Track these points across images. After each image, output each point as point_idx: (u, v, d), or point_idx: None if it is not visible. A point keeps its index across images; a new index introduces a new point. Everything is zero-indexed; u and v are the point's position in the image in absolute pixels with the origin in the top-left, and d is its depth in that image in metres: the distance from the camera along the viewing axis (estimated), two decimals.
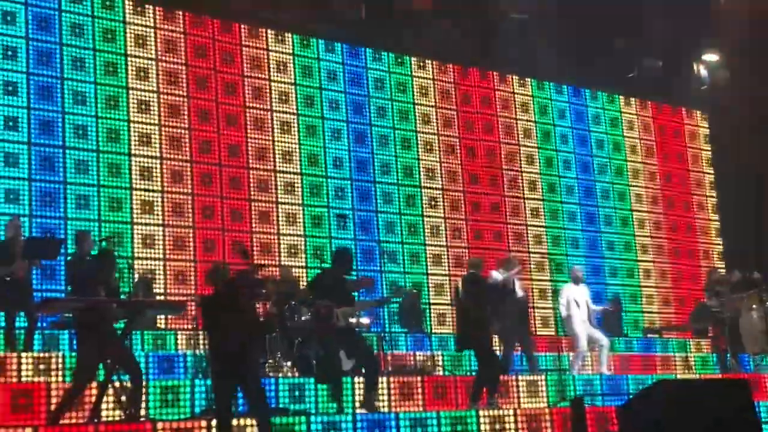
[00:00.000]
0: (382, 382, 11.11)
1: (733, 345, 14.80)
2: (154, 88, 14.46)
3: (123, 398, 8.90)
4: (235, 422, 8.53)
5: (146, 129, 14.26)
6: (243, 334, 8.44)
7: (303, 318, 11.51)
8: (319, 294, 10.28)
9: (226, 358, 8.29)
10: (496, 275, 12.94)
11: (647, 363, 15.29)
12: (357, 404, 10.43)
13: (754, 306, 15.04)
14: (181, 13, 14.98)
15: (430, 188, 16.90)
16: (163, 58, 14.65)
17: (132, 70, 14.30)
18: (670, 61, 19.28)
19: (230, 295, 8.58)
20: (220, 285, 8.64)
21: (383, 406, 10.84)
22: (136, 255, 13.51)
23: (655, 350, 16.24)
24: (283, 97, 15.72)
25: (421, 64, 17.43)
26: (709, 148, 21.00)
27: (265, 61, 15.70)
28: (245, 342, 8.47)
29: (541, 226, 18.02)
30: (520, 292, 13.26)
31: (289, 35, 16.03)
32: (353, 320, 10.37)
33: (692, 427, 7.04)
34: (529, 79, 18.68)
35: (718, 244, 20.42)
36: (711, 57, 19.84)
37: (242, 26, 15.58)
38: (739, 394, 7.98)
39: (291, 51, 16.00)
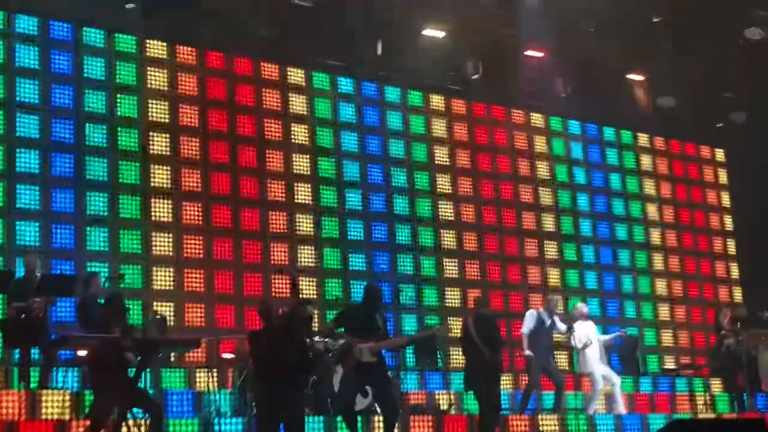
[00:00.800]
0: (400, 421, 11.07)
1: (751, 383, 14.67)
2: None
3: None
4: None
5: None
6: (295, 370, 8.45)
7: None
8: (345, 328, 10.21)
9: (276, 395, 8.25)
10: (560, 324, 13.09)
11: (664, 402, 15.16)
12: None
13: None
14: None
15: (445, 223, 16.89)
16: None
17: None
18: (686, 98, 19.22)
19: (286, 330, 8.56)
20: (273, 319, 8.62)
21: None
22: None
23: (673, 389, 16.09)
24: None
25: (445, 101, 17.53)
26: (727, 187, 20.91)
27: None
28: (297, 379, 8.50)
29: (554, 258, 17.96)
30: (562, 326, 13.24)
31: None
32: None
33: None
34: (551, 117, 18.69)
35: (736, 280, 20.30)
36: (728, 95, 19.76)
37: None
38: None
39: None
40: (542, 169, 18.38)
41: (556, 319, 13.18)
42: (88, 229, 13.48)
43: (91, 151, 13.77)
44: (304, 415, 8.96)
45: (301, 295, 10.87)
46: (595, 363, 13.53)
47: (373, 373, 9.95)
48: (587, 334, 13.61)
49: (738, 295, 20.03)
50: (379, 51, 16.53)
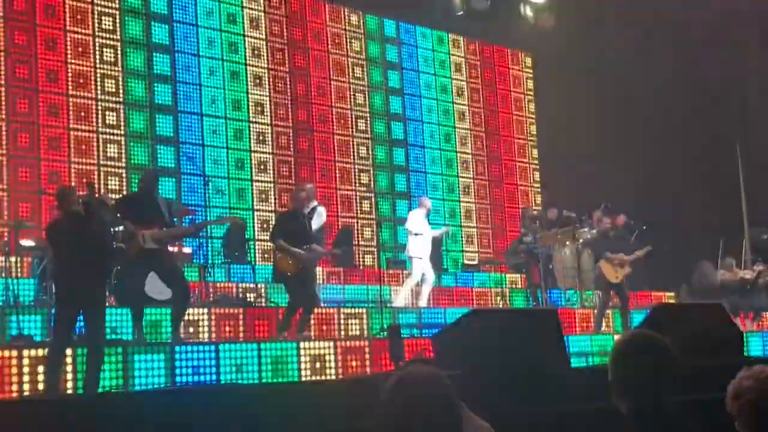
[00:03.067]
0: (204, 313, 11.06)
1: (545, 280, 15.39)
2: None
3: None
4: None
5: None
6: (96, 259, 8.30)
7: (122, 245, 11.20)
8: (126, 215, 9.89)
9: (78, 282, 8.10)
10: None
11: (465, 296, 15.72)
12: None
13: (567, 243, 15.69)
14: None
15: (258, 123, 16.75)
16: None
17: None
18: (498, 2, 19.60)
19: (82, 219, 8.33)
20: (71, 208, 8.36)
21: (204, 337, 10.79)
22: None
23: (473, 284, 16.71)
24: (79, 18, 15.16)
25: None
26: (532, 92, 21.59)
27: None
28: (98, 267, 8.32)
29: (367, 164, 18.16)
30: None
31: None
32: (173, 248, 10.15)
33: (504, 354, 7.29)
34: (360, 13, 18.66)
35: (537, 186, 21.15)
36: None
37: None
38: (548, 324, 8.33)
39: None
40: (358, 69, 18.44)
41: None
42: None
43: None
44: (105, 302, 8.86)
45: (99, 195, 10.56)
46: (423, 253, 14.04)
47: (156, 258, 9.84)
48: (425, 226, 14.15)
49: (538, 198, 20.90)
50: None
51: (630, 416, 3.56)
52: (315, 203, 13.74)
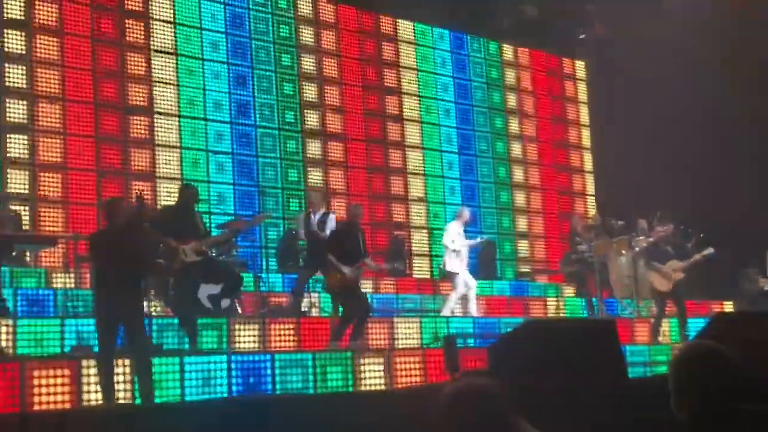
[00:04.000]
0: (258, 323, 11.13)
1: (601, 289, 15.22)
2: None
3: None
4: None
5: None
6: (134, 273, 8.34)
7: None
8: (164, 232, 9.94)
9: (113, 296, 8.14)
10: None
11: (519, 306, 15.64)
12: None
13: (623, 251, 15.49)
14: None
15: (309, 133, 16.80)
16: None
17: None
18: (550, 9, 19.50)
19: (125, 231, 8.41)
20: (119, 220, 8.46)
21: (259, 347, 10.86)
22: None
23: (527, 293, 16.61)
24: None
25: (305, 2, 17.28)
26: (586, 99, 21.43)
27: None
28: (135, 282, 8.37)
29: (420, 173, 18.14)
30: None
31: None
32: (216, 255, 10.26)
33: (559, 366, 7.20)
34: (411, 23, 18.66)
35: (592, 195, 20.97)
36: (590, 6, 20.12)
37: None
38: (605, 336, 8.22)
39: None
40: (408, 80, 18.44)
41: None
42: None
43: None
44: (143, 312, 8.87)
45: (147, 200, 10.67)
46: (462, 264, 13.97)
47: (200, 269, 9.97)
48: (462, 237, 14.05)
49: (592, 206, 20.71)
50: None
51: (690, 427, 3.50)
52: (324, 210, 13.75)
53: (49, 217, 13.58)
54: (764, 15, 17.66)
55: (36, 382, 8.05)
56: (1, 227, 9.17)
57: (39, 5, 14.09)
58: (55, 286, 11.91)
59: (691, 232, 15.92)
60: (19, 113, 13.69)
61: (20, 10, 13.93)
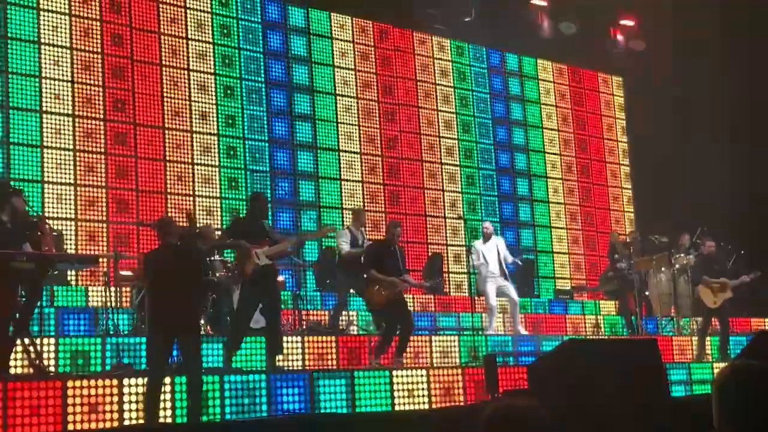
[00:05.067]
0: (297, 341, 11.16)
1: (640, 307, 15.11)
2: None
3: (32, 353, 8.80)
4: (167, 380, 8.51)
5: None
6: (189, 290, 8.46)
7: (218, 274, 11.41)
8: (237, 236, 10.30)
9: (170, 312, 8.25)
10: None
11: (558, 324, 15.56)
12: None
13: (663, 268, 15.39)
14: None
15: (347, 152, 16.84)
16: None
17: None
18: (587, 25, 19.45)
19: (181, 249, 8.53)
20: (173, 238, 8.57)
21: (297, 366, 10.88)
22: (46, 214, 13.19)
23: (567, 312, 16.52)
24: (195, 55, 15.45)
25: (342, 22, 17.34)
26: (624, 115, 21.34)
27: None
28: (190, 298, 8.48)
29: (456, 191, 18.13)
30: None
31: None
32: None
33: (602, 386, 7.17)
34: (448, 41, 18.69)
35: (630, 211, 20.84)
36: (627, 22, 20.03)
37: None
38: (648, 355, 8.17)
39: None
40: (444, 95, 18.46)
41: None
42: None
43: None
44: (200, 333, 9.03)
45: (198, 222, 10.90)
46: (488, 281, 13.88)
47: (270, 278, 10.23)
48: (485, 252, 13.93)
49: (630, 223, 20.57)
50: None
51: None
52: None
53: (89, 236, 13.70)
54: None
55: (78, 400, 8.11)
56: (45, 246, 9.26)
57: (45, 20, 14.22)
58: (95, 304, 12.02)
59: (731, 250, 15.81)
60: (56, 131, 13.82)
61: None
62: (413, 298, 14.82)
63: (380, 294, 11.11)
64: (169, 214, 13.78)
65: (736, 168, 19.04)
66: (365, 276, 11.34)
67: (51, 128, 13.67)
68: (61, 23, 14.03)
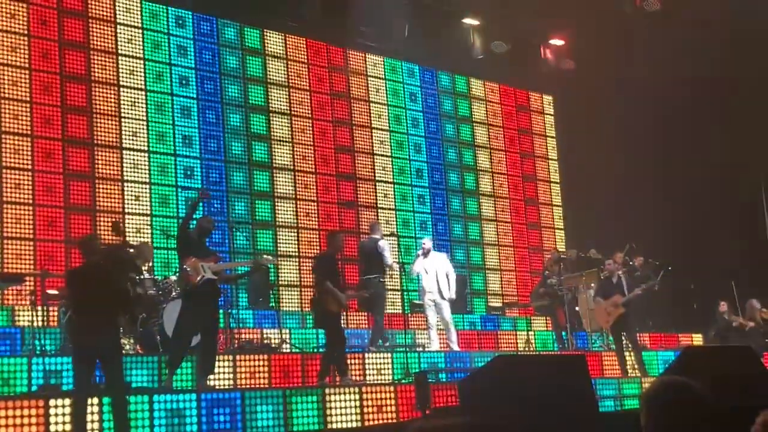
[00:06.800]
0: (228, 360, 11.05)
1: (570, 323, 15.27)
2: None
3: None
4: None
5: None
6: (112, 308, 8.36)
7: (149, 292, 11.28)
8: (186, 252, 10.34)
9: (92, 332, 8.11)
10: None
11: (490, 340, 15.64)
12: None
13: (592, 284, 15.58)
14: None
15: (280, 169, 16.77)
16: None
17: None
18: (518, 45, 19.67)
19: (104, 268, 8.41)
20: (94, 256, 8.45)
21: (229, 384, 10.77)
22: None
23: (498, 328, 16.62)
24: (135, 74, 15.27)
25: (275, 37, 17.30)
26: (554, 133, 21.60)
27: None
28: (114, 317, 8.37)
29: (390, 209, 18.16)
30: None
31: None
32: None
33: (530, 401, 7.21)
34: (381, 58, 18.76)
35: (561, 229, 21.07)
36: (557, 42, 20.30)
37: None
38: (576, 370, 8.25)
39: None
40: (378, 114, 18.51)
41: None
42: None
43: None
44: (121, 351, 8.91)
45: (125, 240, 10.80)
46: (426, 298, 13.96)
47: (215, 292, 10.33)
48: (425, 268, 14.01)
49: (561, 239, 20.81)
50: None
51: None
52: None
53: (15, 254, 13.43)
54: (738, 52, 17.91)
55: (3, 422, 7.93)
56: None
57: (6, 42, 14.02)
58: (21, 324, 11.79)
59: (659, 265, 16.10)
60: None
61: None
62: (347, 316, 14.77)
63: (335, 304, 11.14)
64: (98, 232, 13.59)
65: (662, 184, 19.42)
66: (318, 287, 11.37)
67: None
68: None
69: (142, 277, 11.36)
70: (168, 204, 15.18)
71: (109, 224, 12.78)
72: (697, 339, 17.25)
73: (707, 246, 18.40)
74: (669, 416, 3.52)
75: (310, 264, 13.62)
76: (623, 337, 13.86)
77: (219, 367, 10.71)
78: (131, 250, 11.60)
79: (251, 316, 14.12)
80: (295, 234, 16.67)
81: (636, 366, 13.58)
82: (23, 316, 11.97)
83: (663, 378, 4.04)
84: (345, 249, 14.66)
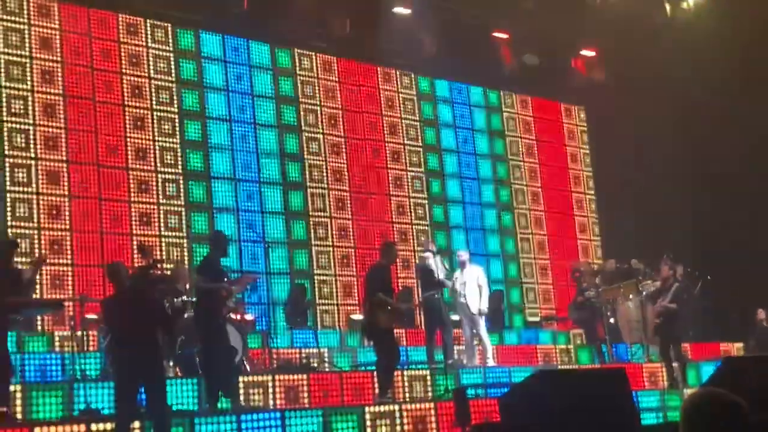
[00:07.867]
0: (268, 380, 11.08)
1: (610, 335, 15.15)
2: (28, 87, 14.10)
3: None
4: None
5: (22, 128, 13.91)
6: (152, 329, 8.39)
7: (186, 315, 11.31)
8: (208, 276, 10.23)
9: (135, 359, 8.17)
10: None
11: (529, 354, 15.55)
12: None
13: (631, 296, 15.45)
14: None
15: (315, 187, 16.84)
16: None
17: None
18: (549, 57, 19.61)
19: (137, 290, 8.49)
20: (124, 282, 8.51)
21: (269, 404, 10.79)
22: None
23: (537, 342, 16.53)
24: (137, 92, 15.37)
25: (306, 57, 17.40)
26: (588, 145, 21.51)
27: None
28: (154, 337, 8.41)
29: (424, 223, 18.15)
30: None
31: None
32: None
33: (572, 417, 7.16)
34: (412, 75, 18.79)
35: (597, 239, 20.95)
36: (588, 53, 20.21)
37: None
38: (616, 384, 8.17)
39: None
40: (412, 130, 18.53)
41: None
42: None
43: None
44: (164, 374, 8.93)
45: (153, 259, 10.76)
46: (462, 312, 13.91)
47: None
48: (460, 283, 13.99)
49: (598, 250, 20.68)
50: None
51: None
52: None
53: (53, 279, 13.57)
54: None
55: None
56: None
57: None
58: (62, 350, 11.89)
59: (698, 275, 15.92)
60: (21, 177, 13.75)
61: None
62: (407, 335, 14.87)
63: (385, 317, 10.93)
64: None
65: (699, 193, 19.25)
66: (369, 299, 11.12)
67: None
68: None
69: (183, 299, 11.40)
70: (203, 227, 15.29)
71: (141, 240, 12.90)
72: (738, 348, 17.05)
73: (745, 253, 18.20)
74: (709, 429, 3.49)
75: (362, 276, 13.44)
76: (670, 349, 13.75)
77: (258, 386, 10.75)
78: (167, 273, 11.67)
79: (288, 336, 14.14)
80: (330, 252, 16.71)
81: (679, 378, 13.45)
82: (64, 341, 12.07)
83: (703, 390, 4.00)
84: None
